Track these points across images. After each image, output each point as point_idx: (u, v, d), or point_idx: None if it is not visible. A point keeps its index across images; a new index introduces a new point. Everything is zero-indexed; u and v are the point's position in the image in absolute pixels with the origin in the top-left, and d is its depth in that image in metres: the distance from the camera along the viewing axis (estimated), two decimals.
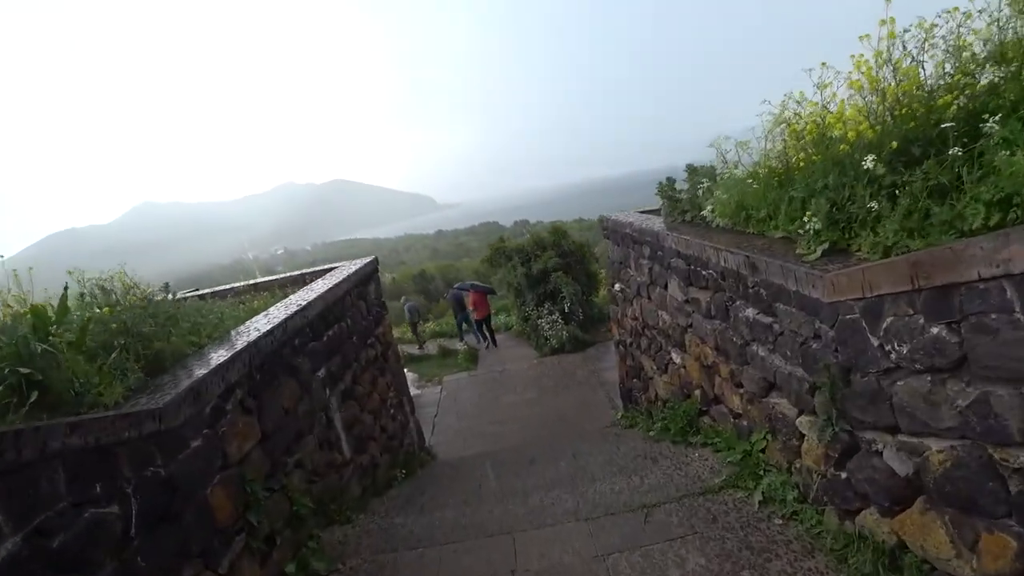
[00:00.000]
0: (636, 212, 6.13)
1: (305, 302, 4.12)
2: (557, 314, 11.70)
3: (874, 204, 2.30)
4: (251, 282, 6.48)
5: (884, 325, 2.11)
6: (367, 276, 6.15)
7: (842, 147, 2.63)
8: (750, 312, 3.24)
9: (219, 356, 2.90)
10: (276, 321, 3.56)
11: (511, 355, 12.05)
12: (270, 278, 6.56)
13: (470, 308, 13.15)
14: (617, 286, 6.47)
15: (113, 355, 2.58)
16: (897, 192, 2.25)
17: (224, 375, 2.79)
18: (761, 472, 3.19)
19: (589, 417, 7.72)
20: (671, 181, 5.04)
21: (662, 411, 4.95)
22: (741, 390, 3.52)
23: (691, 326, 4.26)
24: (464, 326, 13.90)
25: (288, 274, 6.54)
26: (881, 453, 2.28)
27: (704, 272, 3.84)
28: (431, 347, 14.00)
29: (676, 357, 4.69)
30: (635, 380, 6.15)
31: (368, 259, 6.47)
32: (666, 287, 4.69)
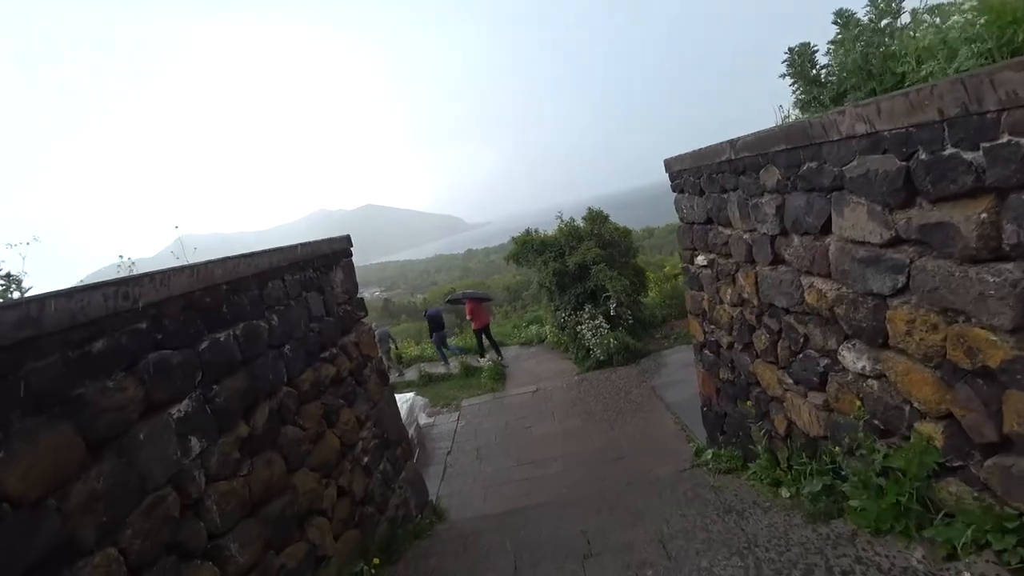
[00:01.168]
0: None
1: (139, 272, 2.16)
2: (601, 318, 9.45)
3: None
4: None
5: None
6: (327, 259, 4.19)
7: None
8: None
9: None
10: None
11: (545, 370, 9.83)
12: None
13: (468, 318, 11.86)
14: (700, 259, 4.29)
15: None
16: None
17: None
18: None
19: (657, 454, 5.49)
20: (808, 48, 2.88)
21: (819, 460, 2.73)
22: None
23: (903, 290, 2.08)
24: (444, 349, 12.40)
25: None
26: None
27: (969, 155, 1.68)
28: (453, 364, 12.02)
29: (853, 359, 2.49)
30: (743, 402, 3.92)
31: (335, 236, 4.54)
32: (826, 227, 2.53)
